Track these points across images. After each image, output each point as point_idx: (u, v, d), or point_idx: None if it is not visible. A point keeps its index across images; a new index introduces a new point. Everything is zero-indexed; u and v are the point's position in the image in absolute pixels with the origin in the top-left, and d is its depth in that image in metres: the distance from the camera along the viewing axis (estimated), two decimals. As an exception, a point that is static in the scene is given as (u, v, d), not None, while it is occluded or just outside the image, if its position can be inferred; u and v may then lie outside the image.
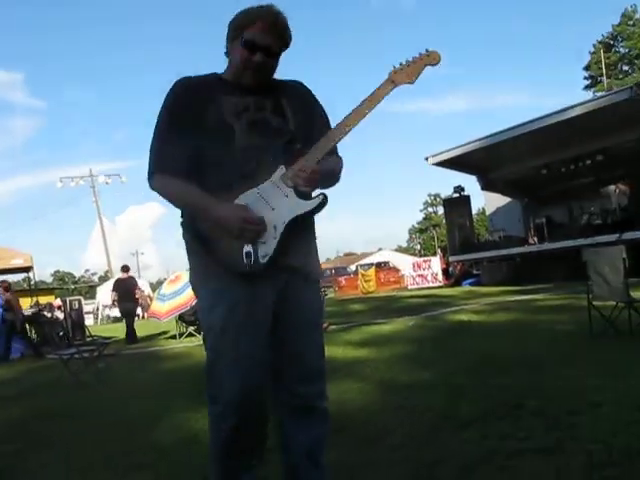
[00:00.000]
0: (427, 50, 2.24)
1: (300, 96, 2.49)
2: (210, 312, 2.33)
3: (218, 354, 2.31)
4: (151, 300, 22.08)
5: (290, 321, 2.37)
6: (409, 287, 28.82)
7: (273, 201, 2.24)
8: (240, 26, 2.31)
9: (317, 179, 2.23)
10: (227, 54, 2.43)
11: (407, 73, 2.21)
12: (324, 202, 2.26)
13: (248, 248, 2.22)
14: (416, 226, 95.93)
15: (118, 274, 17.31)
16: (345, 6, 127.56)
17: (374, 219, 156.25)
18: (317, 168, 2.21)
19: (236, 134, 2.28)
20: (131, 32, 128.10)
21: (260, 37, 2.28)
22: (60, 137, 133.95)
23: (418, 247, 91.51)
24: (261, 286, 2.28)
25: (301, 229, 2.32)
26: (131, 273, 16.63)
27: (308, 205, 2.26)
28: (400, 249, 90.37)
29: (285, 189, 2.24)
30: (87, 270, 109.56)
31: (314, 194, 2.28)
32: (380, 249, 74.98)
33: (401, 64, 2.23)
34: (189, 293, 12.41)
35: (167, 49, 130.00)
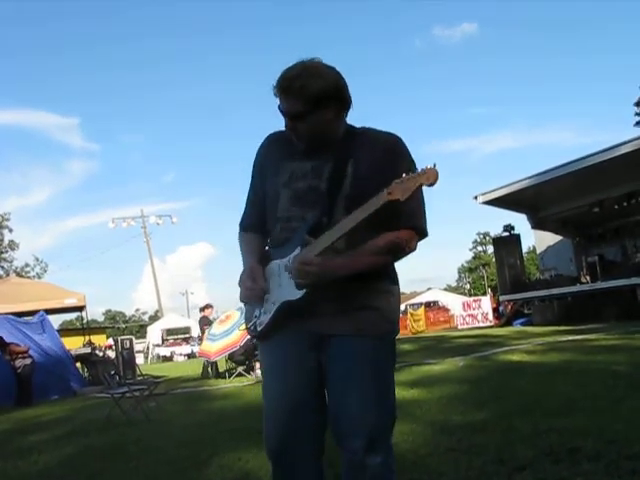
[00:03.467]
0: (424, 168, 2.09)
1: (374, 155, 2.33)
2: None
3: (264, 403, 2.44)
4: (201, 340, 22.23)
5: (330, 375, 2.33)
6: (459, 327, 28.85)
7: (283, 278, 2.30)
8: (275, 94, 2.32)
9: (307, 272, 2.17)
10: None
11: (401, 189, 2.08)
12: (305, 297, 2.21)
13: (257, 312, 2.39)
14: (465, 265, 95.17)
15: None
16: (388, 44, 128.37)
17: (423, 258, 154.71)
18: (310, 260, 2.17)
19: (280, 203, 2.38)
20: (177, 73, 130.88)
21: (280, 104, 2.30)
22: (113, 179, 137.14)
23: (468, 286, 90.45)
24: (295, 344, 2.34)
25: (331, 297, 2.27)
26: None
27: (293, 295, 2.24)
28: (449, 288, 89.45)
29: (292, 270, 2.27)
30: (137, 309, 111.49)
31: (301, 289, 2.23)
32: (429, 288, 74.08)
33: (401, 179, 2.09)
34: (239, 333, 12.59)
35: (213, 88, 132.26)
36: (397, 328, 2.48)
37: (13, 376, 12.94)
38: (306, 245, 2.23)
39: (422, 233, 2.37)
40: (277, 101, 2.30)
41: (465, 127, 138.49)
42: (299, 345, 2.33)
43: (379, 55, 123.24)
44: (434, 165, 2.05)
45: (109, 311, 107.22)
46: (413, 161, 2.35)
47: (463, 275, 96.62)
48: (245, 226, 2.60)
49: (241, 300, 2.44)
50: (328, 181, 2.32)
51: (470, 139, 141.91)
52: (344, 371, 2.29)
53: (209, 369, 15.05)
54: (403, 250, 2.34)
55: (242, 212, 2.62)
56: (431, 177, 2.05)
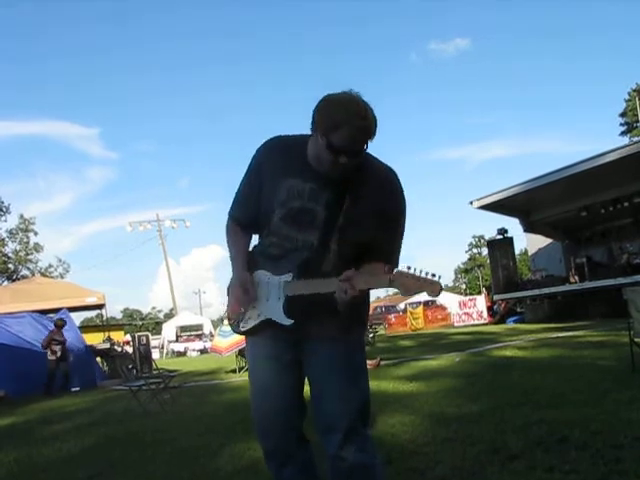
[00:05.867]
0: (434, 280, 1.95)
1: (370, 190, 2.24)
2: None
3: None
4: (213, 336, 22.36)
5: (311, 372, 2.37)
6: (455, 324, 28.79)
7: (271, 295, 2.30)
8: (325, 128, 2.09)
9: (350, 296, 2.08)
10: (312, 131, 2.20)
11: (406, 285, 1.97)
12: (292, 325, 2.24)
13: (241, 311, 2.39)
14: (462, 266, 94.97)
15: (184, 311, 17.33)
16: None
17: (421, 260, 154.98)
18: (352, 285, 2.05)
19: (274, 219, 2.31)
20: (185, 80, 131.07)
21: (347, 143, 2.07)
22: (130, 185, 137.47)
23: (464, 286, 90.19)
24: (276, 344, 2.35)
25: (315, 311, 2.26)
26: (194, 311, 16.80)
27: (281, 320, 2.25)
28: (446, 288, 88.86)
29: (281, 294, 2.27)
30: (154, 307, 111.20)
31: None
32: None
33: (411, 273, 1.96)
34: None
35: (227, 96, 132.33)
36: (366, 323, 2.55)
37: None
38: (299, 278, 2.23)
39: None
40: (325, 134, 2.09)
41: (461, 136, 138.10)
42: (278, 344, 2.34)
43: (376, 66, 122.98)
44: (439, 278, 1.96)
45: (127, 309, 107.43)
46: (404, 199, 2.34)
47: (459, 275, 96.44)
48: (236, 218, 2.49)
49: (228, 315, 2.49)
50: (326, 208, 2.24)
51: (465, 148, 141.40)
52: (320, 370, 2.33)
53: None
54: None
55: (233, 200, 2.49)
56: (435, 291, 1.95)
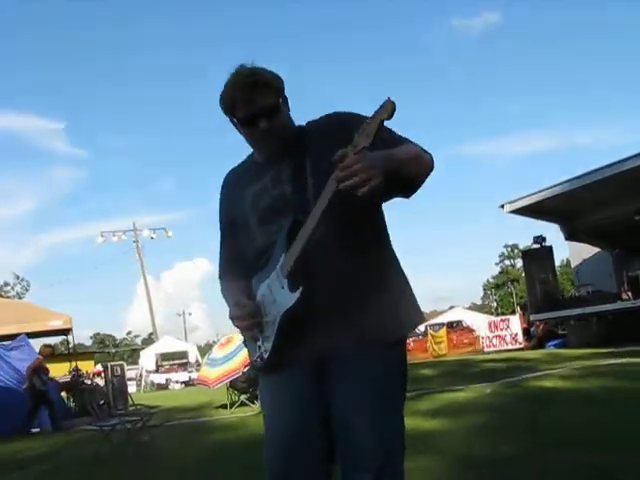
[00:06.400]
0: (380, 105, 1.98)
1: (325, 139, 2.29)
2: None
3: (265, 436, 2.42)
4: (200, 365, 22.44)
5: (336, 401, 2.29)
6: (485, 350, 28.49)
7: (275, 292, 2.29)
8: (227, 111, 2.36)
9: (362, 169, 1.97)
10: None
11: (364, 136, 1.98)
12: (301, 298, 2.17)
13: (259, 342, 2.37)
14: (491, 281, 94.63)
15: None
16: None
17: (444, 273, 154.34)
18: (351, 161, 1.97)
19: (251, 230, 2.42)
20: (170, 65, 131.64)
21: (248, 106, 2.28)
22: (101, 188, 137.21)
23: (494, 305, 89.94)
24: (294, 376, 2.33)
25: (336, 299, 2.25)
26: (178, 335, 16.79)
27: (289, 301, 2.20)
28: (474, 307, 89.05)
29: (282, 279, 2.25)
30: (129, 332, 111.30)
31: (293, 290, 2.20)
32: (452, 307, 73.71)
33: (361, 128, 2.00)
34: (242, 358, 12.51)
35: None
36: (407, 333, 2.46)
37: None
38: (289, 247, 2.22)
39: (425, 151, 2.34)
40: (233, 115, 2.34)
41: (492, 126, 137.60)
42: (299, 378, 2.31)
43: (398, 44, 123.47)
44: (388, 98, 1.95)
45: (98, 334, 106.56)
46: (363, 116, 2.23)
47: (489, 292, 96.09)
48: (225, 274, 2.64)
49: (242, 334, 2.49)
50: (291, 183, 2.34)
51: (496, 140, 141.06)
52: (345, 398, 2.26)
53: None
54: (426, 159, 2.33)
55: (219, 263, 2.67)
56: (388, 107, 1.94)
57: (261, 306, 2.34)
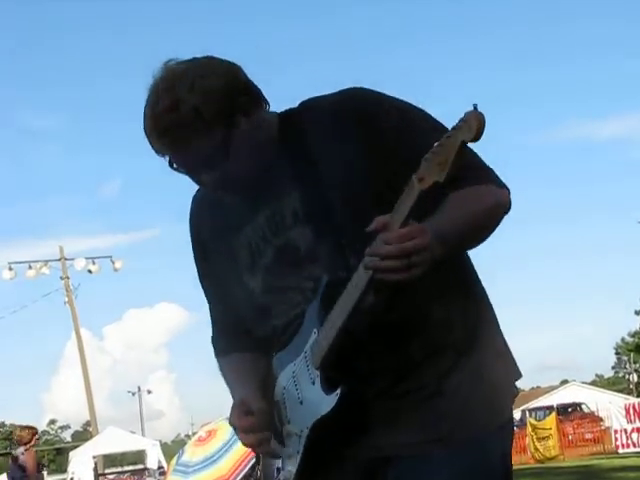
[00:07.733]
0: (462, 118, 1.35)
1: (335, 139, 1.74)
2: None
3: None
4: (164, 474, 19.81)
5: None
6: (619, 450, 23.16)
7: (303, 387, 1.81)
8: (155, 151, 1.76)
9: (410, 250, 1.44)
10: None
11: (436, 166, 1.38)
12: (342, 401, 1.62)
13: (277, 462, 1.99)
14: (629, 340, 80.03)
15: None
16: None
17: (552, 332, 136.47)
18: (394, 236, 1.44)
19: (256, 294, 1.89)
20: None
21: (175, 164, 1.74)
22: (13, 193, 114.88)
23: (634, 378, 76.61)
24: None
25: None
26: (130, 426, 10.48)
27: (325, 406, 1.67)
28: (600, 382, 79.03)
29: (313, 371, 1.75)
30: (52, 421, 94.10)
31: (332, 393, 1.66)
32: (565, 382, 65.00)
33: (432, 152, 1.40)
34: (233, 456, 10.64)
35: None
36: (508, 415, 1.90)
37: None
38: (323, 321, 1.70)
39: (501, 185, 1.77)
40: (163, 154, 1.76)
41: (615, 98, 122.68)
42: None
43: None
44: (474, 107, 1.34)
45: (2, 425, 79.22)
46: (367, 89, 1.81)
47: (625, 358, 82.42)
48: (222, 348, 2.09)
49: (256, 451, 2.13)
50: (304, 223, 1.79)
51: (622, 118, 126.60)
52: None
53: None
54: (498, 212, 1.75)
55: (211, 323, 2.13)
56: (473, 125, 1.32)
57: (281, 406, 1.91)
